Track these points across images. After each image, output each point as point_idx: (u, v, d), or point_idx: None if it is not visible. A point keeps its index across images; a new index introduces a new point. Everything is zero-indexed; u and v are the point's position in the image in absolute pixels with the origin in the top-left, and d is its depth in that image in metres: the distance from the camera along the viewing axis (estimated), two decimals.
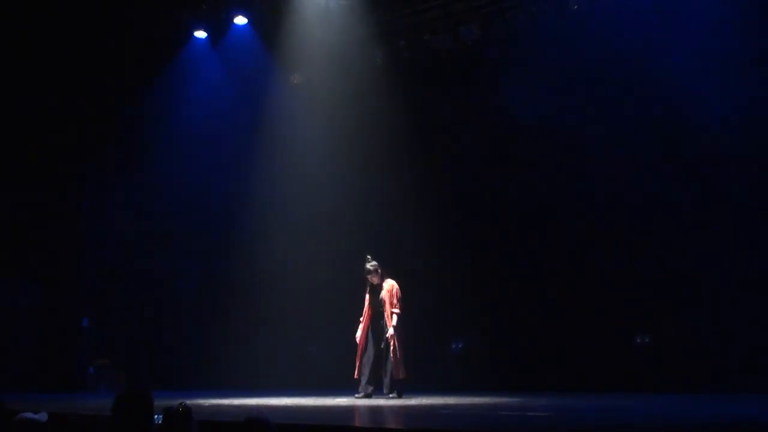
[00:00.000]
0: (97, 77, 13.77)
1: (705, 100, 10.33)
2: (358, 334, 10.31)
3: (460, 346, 12.89)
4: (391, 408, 8.53)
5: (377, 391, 10.21)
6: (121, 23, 13.28)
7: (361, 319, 10.35)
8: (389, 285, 10.20)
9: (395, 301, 10.08)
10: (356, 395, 10.15)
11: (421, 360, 10.79)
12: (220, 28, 13.99)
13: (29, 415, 4.67)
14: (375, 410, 8.44)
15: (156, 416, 4.19)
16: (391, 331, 9.98)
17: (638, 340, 11.25)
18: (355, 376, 10.24)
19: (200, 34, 14.14)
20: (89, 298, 14.67)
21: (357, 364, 10.25)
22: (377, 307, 10.23)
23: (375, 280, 10.28)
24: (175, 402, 4.33)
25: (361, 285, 10.60)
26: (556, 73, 12.03)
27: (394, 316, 10.01)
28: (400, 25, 13.16)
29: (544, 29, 12.06)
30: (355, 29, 12.94)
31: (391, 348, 9.97)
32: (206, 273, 14.72)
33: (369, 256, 10.37)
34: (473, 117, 12.94)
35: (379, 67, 13.46)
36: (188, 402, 4.36)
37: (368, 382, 10.15)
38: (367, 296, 10.36)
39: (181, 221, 14.57)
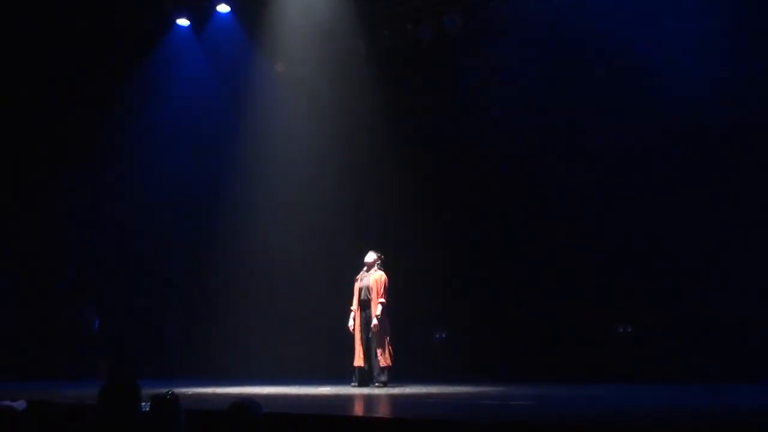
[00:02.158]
0: (77, 64, 13.66)
1: (691, 82, 10.39)
2: (350, 323, 10.34)
3: (443, 335, 12.93)
4: (375, 397, 8.55)
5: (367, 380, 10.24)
6: (102, 10, 13.17)
7: (352, 308, 10.39)
8: (378, 275, 10.24)
9: (382, 290, 10.11)
10: (352, 384, 10.20)
11: (405, 349, 10.81)
12: (202, 15, 13.91)
13: (7, 403, 4.64)
14: (359, 399, 8.45)
15: (143, 404, 4.19)
16: (375, 321, 10.02)
17: (620, 330, 11.32)
18: (355, 364, 10.25)
19: (183, 21, 14.06)
20: (70, 287, 14.59)
21: (358, 352, 10.26)
22: (364, 296, 10.27)
23: (370, 268, 10.32)
24: (159, 390, 4.33)
25: (347, 273, 10.63)
26: (539, 61, 12.05)
27: (379, 306, 10.05)
28: (384, 15, 13.13)
29: (527, 18, 12.08)
30: (339, 18, 12.90)
31: (377, 337, 10.01)
32: (190, 262, 14.64)
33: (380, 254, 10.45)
34: (456, 106, 12.95)
35: (362, 56, 13.44)
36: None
37: (366, 372, 10.18)
38: (356, 284, 10.39)
39: (165, 209, 14.46)
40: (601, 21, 11.24)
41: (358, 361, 10.24)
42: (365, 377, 10.16)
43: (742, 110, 10.37)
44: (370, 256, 10.40)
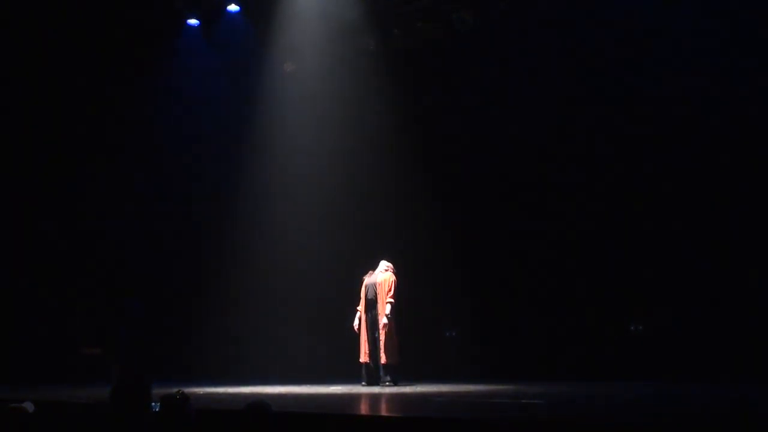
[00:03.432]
0: (88, 64, 13.70)
1: (709, 78, 10.32)
2: (355, 323, 10.34)
3: (453, 333, 12.92)
4: (386, 396, 8.55)
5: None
6: (114, 10, 13.21)
7: (358, 308, 10.39)
8: (387, 275, 10.25)
9: (390, 290, 10.10)
10: (362, 383, 10.20)
11: (415, 348, 10.81)
12: (212, 15, 13.94)
13: (14, 405, 4.66)
14: (370, 398, 8.46)
15: (153, 404, 4.19)
16: (384, 320, 10.01)
17: (632, 328, 11.28)
18: (361, 360, 10.25)
19: (193, 21, 14.09)
20: (81, 287, 14.61)
21: (364, 350, 10.25)
22: (370, 294, 10.26)
23: (378, 269, 10.35)
24: (171, 390, 4.34)
25: (357, 273, 10.64)
26: (551, 58, 12.01)
27: (388, 305, 10.04)
28: (394, 13, 13.13)
29: (537, 15, 12.05)
30: (348, 17, 12.90)
31: (385, 336, 10.01)
32: (201, 262, 14.65)
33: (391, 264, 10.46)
34: (466, 104, 12.92)
35: (372, 55, 13.43)
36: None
37: (374, 370, 10.18)
38: (363, 286, 10.40)
39: (175, 210, 14.48)
40: (616, 13, 11.18)
41: (364, 357, 10.24)
42: (374, 376, 10.15)
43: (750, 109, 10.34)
44: (382, 263, 10.42)
